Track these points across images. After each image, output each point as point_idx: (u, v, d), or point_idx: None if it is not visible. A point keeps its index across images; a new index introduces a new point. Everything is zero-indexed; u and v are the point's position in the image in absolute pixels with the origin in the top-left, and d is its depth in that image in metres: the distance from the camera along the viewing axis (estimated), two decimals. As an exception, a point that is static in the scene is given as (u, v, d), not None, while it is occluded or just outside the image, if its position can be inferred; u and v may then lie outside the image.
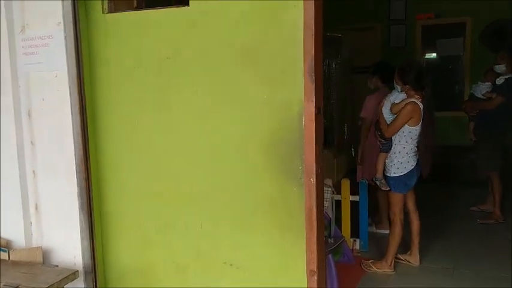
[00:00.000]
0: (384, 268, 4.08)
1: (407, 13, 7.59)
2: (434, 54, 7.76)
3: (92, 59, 2.77)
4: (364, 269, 4.14)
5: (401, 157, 3.90)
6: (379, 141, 4.05)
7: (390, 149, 3.95)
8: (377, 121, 4.15)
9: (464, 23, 7.32)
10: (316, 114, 2.37)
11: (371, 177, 4.74)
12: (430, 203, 5.90)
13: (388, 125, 3.93)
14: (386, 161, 3.97)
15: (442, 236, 4.90)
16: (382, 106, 4.02)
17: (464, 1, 7.03)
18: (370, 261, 4.17)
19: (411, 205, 4.15)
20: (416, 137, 3.92)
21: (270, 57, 2.41)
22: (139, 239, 2.82)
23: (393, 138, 3.93)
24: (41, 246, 2.83)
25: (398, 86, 3.89)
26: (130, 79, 2.71)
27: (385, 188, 4.01)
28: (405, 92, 3.86)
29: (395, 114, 3.90)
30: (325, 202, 3.94)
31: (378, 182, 4.06)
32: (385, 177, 4.00)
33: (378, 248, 4.50)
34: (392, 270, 4.08)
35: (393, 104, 3.93)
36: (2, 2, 2.73)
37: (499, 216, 5.32)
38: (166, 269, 2.79)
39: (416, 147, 3.95)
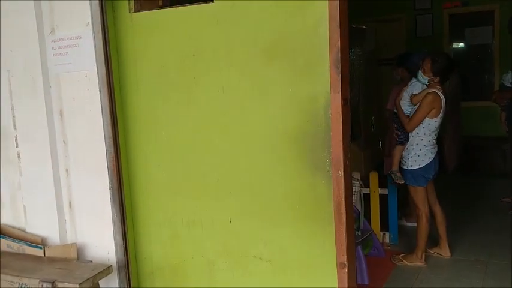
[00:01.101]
0: (414, 261, 4.03)
1: (434, 2, 7.46)
2: (462, 44, 7.61)
3: (120, 58, 2.81)
4: (394, 262, 4.10)
5: (418, 149, 3.81)
6: (396, 134, 3.98)
7: (407, 141, 3.87)
8: (394, 113, 4.09)
9: (493, 11, 7.15)
10: (342, 106, 2.36)
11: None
12: (461, 195, 5.81)
13: (408, 118, 3.84)
14: (404, 153, 3.90)
15: (474, 228, 4.82)
16: (400, 100, 3.95)
17: (492, -12, 6.89)
18: (400, 255, 4.14)
19: (432, 198, 4.07)
20: (435, 128, 3.82)
21: (295, 50, 2.41)
22: (169, 235, 2.87)
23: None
24: (75, 243, 2.90)
25: (425, 77, 3.79)
26: (157, 77, 2.75)
27: (400, 181, 3.95)
28: (429, 83, 3.77)
29: (415, 105, 3.81)
30: (353, 195, 3.91)
31: (393, 175, 4.00)
32: (401, 170, 3.93)
33: (408, 241, 4.45)
34: (424, 263, 4.03)
35: (413, 95, 3.84)
36: (32, 3, 2.79)
37: (532, 207, 5.21)
38: (196, 264, 2.83)
39: (435, 139, 3.87)
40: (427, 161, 3.83)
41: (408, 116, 3.88)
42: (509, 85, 5.26)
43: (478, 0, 7.13)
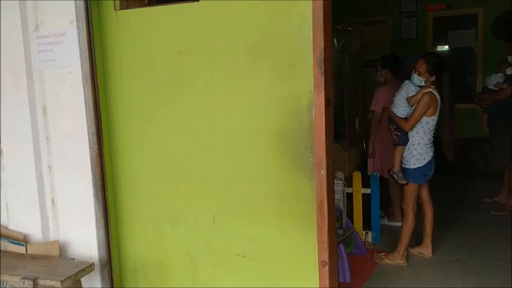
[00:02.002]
0: (396, 259, 4.08)
1: (419, 5, 7.54)
2: (446, 47, 7.70)
3: (105, 55, 2.81)
4: (376, 261, 4.15)
5: (420, 148, 3.91)
6: (395, 135, 4.03)
7: (407, 142, 3.94)
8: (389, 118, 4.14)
9: (476, 14, 7.25)
10: (326, 106, 2.39)
11: (383, 170, 4.75)
12: (443, 196, 5.89)
13: (405, 119, 3.91)
14: (405, 153, 3.96)
15: (455, 228, 4.89)
16: (392, 105, 4.01)
17: (475, -8, 6.98)
18: (382, 254, 4.18)
19: (426, 195, 4.15)
20: (433, 127, 3.91)
21: (279, 50, 2.43)
22: (153, 232, 2.87)
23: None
24: (57, 240, 2.89)
25: (421, 78, 3.84)
26: (142, 74, 2.75)
27: (402, 181, 4.00)
28: (426, 83, 3.84)
29: (413, 106, 3.88)
30: (336, 195, 3.95)
31: (395, 176, 4.04)
32: (403, 169, 4.00)
33: (390, 240, 4.51)
34: (405, 261, 4.08)
35: (409, 98, 3.91)
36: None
37: (512, 208, 5.30)
38: (179, 262, 2.84)
39: (433, 138, 3.95)
40: (428, 158, 3.92)
41: (405, 117, 3.94)
42: (492, 87, 5.35)
43: (461, 4, 7.22)
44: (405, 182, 3.98)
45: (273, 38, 2.45)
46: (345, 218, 4.11)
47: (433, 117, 3.86)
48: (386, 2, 7.60)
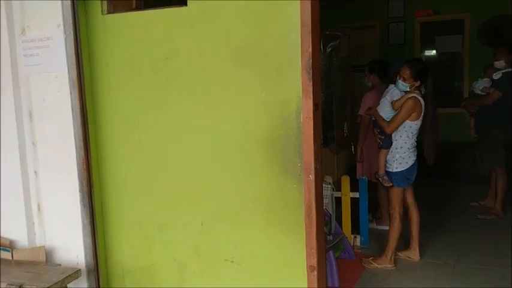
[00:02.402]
0: (384, 263, 4.10)
1: (406, 10, 7.60)
2: (433, 51, 7.77)
3: (92, 60, 2.79)
4: (364, 265, 4.16)
5: (403, 152, 3.94)
6: (379, 138, 4.07)
7: (390, 145, 3.97)
8: (373, 121, 4.17)
9: (463, 19, 7.32)
10: (314, 111, 2.39)
11: (371, 174, 4.78)
12: (431, 199, 5.93)
13: (388, 121, 3.95)
14: (388, 156, 4.00)
15: (443, 231, 4.92)
16: (378, 106, 4.04)
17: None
18: (370, 258, 4.20)
19: (410, 199, 4.18)
20: (417, 131, 3.95)
21: (267, 55, 2.43)
22: (140, 238, 2.85)
23: (393, 134, 3.95)
24: (43, 246, 2.86)
25: (406, 84, 3.88)
26: (129, 79, 2.74)
27: (387, 184, 4.03)
28: (411, 88, 3.87)
29: (396, 110, 3.92)
30: (325, 199, 3.96)
31: (380, 179, 4.08)
32: (386, 173, 4.02)
33: (378, 244, 4.52)
34: (393, 265, 4.10)
35: (393, 101, 3.95)
36: (2, 3, 2.76)
37: (499, 212, 5.34)
38: (167, 267, 2.82)
39: (416, 142, 3.98)
40: (410, 163, 3.95)
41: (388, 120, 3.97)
42: (479, 92, 5.40)
43: (448, 9, 7.29)
44: (391, 184, 4.01)
45: (261, 42, 2.45)
46: (333, 222, 4.12)
47: (416, 122, 3.90)
48: (374, 7, 7.65)
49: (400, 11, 7.65)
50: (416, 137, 3.98)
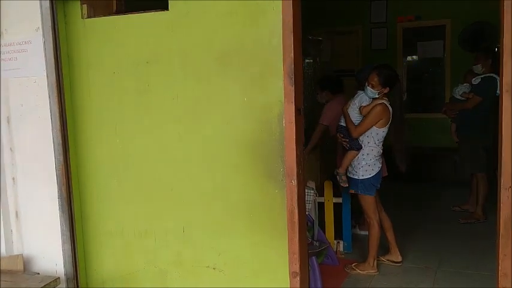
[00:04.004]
0: (367, 269, 4.10)
1: (388, 16, 7.66)
2: (415, 57, 7.84)
3: (72, 64, 2.76)
4: (347, 271, 4.15)
5: (369, 159, 3.92)
6: (344, 141, 4.03)
7: (359, 146, 3.93)
8: (340, 126, 4.12)
9: (444, 25, 7.41)
10: (296, 116, 2.38)
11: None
12: (413, 204, 5.96)
13: (355, 125, 3.92)
14: (354, 163, 3.96)
15: (425, 236, 4.94)
16: (348, 107, 4.01)
17: (443, 3, 7.11)
18: (353, 264, 4.19)
19: (378, 205, 4.18)
20: (383, 138, 3.93)
21: (249, 59, 2.43)
22: (121, 245, 2.81)
23: (360, 140, 3.93)
24: (21, 254, 2.81)
25: (375, 91, 3.85)
26: (110, 84, 2.71)
27: (344, 184, 4.03)
28: (380, 95, 3.85)
29: (364, 115, 3.89)
30: (308, 204, 3.95)
31: (338, 177, 4.07)
32: (349, 179, 4.02)
33: (361, 250, 4.52)
34: (376, 270, 4.10)
35: (362, 107, 3.91)
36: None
37: (480, 216, 5.38)
38: (148, 275, 2.79)
39: (382, 149, 3.97)
40: (376, 170, 3.94)
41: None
42: (459, 97, 5.45)
43: (430, 15, 7.36)
44: (347, 185, 4.00)
45: (243, 47, 2.44)
46: (316, 227, 4.10)
47: (383, 129, 3.88)
48: (357, 12, 7.70)
49: (383, 16, 7.70)
50: (382, 145, 3.96)
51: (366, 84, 3.89)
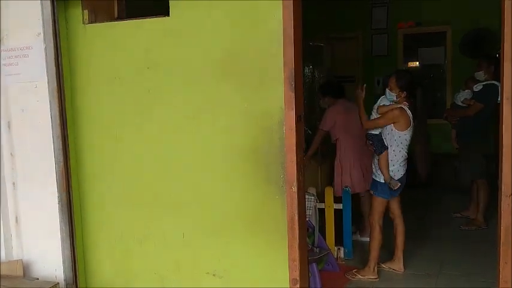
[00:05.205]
0: (368, 275, 4.08)
1: (389, 22, 7.66)
2: (416, 63, 7.84)
3: (73, 70, 2.76)
4: (348, 277, 4.14)
5: (392, 165, 3.92)
6: (370, 145, 4.05)
7: (384, 148, 3.92)
8: (367, 133, 4.13)
9: (445, 31, 7.41)
10: (296, 122, 2.38)
11: (353, 185, 4.78)
12: (414, 210, 5.94)
13: (368, 118, 3.97)
14: (378, 165, 3.97)
15: (426, 242, 4.92)
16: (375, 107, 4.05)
17: (443, 10, 7.12)
18: (354, 270, 4.18)
19: (397, 210, 4.17)
20: (407, 142, 3.94)
21: (250, 66, 2.43)
22: (120, 250, 2.81)
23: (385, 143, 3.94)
24: (21, 259, 2.80)
25: (392, 94, 3.90)
26: (111, 89, 2.71)
27: (396, 186, 3.96)
28: (398, 99, 3.89)
29: (380, 114, 3.95)
30: (308, 211, 3.94)
31: (390, 185, 4.00)
32: (372, 180, 4.01)
33: (362, 256, 4.50)
34: (376, 277, 4.08)
35: (379, 106, 3.96)
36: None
37: (481, 223, 5.36)
38: (147, 281, 2.78)
39: (407, 154, 3.97)
40: (398, 176, 3.94)
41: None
42: (460, 104, 5.44)
43: (430, 21, 7.37)
44: (399, 185, 3.95)
45: (244, 53, 2.45)
46: (317, 234, 4.09)
47: (405, 132, 3.90)
48: (357, 18, 7.71)
49: (383, 22, 7.71)
50: (407, 149, 3.96)
51: (387, 88, 3.98)
